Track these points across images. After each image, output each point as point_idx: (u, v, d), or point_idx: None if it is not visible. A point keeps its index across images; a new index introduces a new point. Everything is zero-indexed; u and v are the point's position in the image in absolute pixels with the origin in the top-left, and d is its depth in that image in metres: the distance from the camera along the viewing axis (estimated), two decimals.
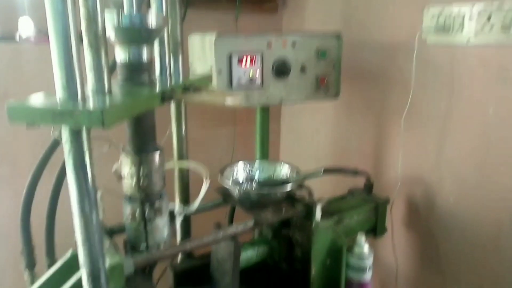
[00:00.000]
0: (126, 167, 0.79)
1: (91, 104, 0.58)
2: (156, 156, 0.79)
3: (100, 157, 0.74)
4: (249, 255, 1.05)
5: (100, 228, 0.66)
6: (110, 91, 0.67)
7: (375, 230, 1.20)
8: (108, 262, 0.72)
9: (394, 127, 1.28)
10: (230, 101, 0.74)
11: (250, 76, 1.19)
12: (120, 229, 0.90)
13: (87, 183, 0.62)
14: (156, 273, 1.09)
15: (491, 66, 1.02)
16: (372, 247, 1.04)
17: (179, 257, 1.13)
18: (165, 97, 0.72)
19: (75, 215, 0.64)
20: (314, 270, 1.02)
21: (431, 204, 1.20)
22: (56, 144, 0.98)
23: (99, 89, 0.66)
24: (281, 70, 1.19)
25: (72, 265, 0.84)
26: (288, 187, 1.00)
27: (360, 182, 1.25)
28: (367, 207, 1.16)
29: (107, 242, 0.83)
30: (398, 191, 1.25)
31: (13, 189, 1.29)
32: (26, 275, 0.98)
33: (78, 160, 0.61)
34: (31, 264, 0.98)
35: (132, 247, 0.84)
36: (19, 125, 0.58)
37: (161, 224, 0.83)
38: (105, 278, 0.68)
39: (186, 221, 1.05)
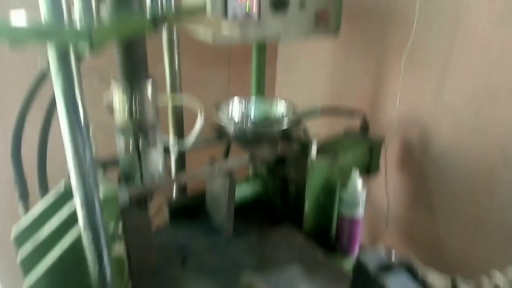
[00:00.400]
0: (117, 96, 0.76)
1: (78, 24, 0.55)
2: (148, 85, 0.76)
3: (91, 92, 0.71)
4: (244, 192, 1.06)
5: (92, 155, 0.64)
6: (98, 14, 0.63)
7: (369, 169, 1.21)
8: (102, 192, 0.71)
9: (394, 68, 1.24)
10: (226, 29, 0.70)
11: (247, 9, 1.13)
12: (114, 162, 0.89)
13: (77, 112, 0.60)
14: (152, 210, 1.10)
15: (498, 4, 0.97)
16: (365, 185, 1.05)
17: (174, 194, 1.14)
18: (156, 22, 0.68)
19: (66, 146, 0.62)
20: (308, 206, 1.04)
21: (426, 146, 1.20)
22: (43, 76, 0.94)
23: (87, 11, 0.61)
24: (279, 2, 1.13)
25: (65, 196, 0.84)
26: (284, 123, 0.99)
27: (356, 124, 1.24)
28: (362, 147, 1.16)
29: (100, 174, 0.82)
30: (394, 132, 1.24)
31: (1, 124, 1.26)
32: (20, 207, 0.98)
33: (67, 89, 0.58)
34: (24, 195, 0.97)
35: (126, 179, 0.83)
36: (2, 46, 0.54)
37: (155, 157, 0.81)
38: (100, 208, 0.68)
39: (181, 158, 1.05)
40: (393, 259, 0.71)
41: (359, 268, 0.73)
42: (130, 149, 0.79)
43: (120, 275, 0.78)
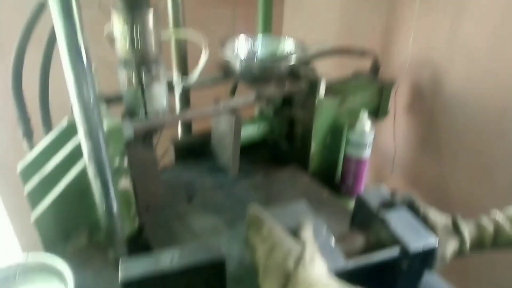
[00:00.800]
0: (118, 27, 0.73)
1: None
2: (150, 14, 0.72)
3: (92, 25, 0.67)
4: (249, 132, 1.05)
5: (94, 86, 0.62)
6: None
7: (377, 113, 1.18)
8: (105, 125, 0.70)
9: (408, 6, 1.18)
10: None
11: None
12: (118, 99, 0.87)
13: (77, 44, 0.57)
14: (158, 150, 1.09)
15: None
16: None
17: (180, 133, 1.13)
18: None
19: (68, 77, 0.60)
20: (314, 147, 1.02)
21: (438, 88, 1.16)
22: (41, 8, 0.90)
23: None
24: None
25: (69, 131, 0.83)
26: (292, 59, 0.95)
27: (366, 65, 1.20)
28: (372, 89, 1.13)
29: (104, 109, 0.81)
30: (405, 74, 1.20)
31: (2, 61, 1.23)
32: (24, 144, 0.98)
33: (67, 20, 0.55)
34: (28, 132, 0.97)
35: (130, 114, 0.81)
36: None
37: (159, 92, 0.79)
38: (104, 139, 0.66)
39: (185, 95, 1.02)
40: (395, 198, 0.70)
41: (360, 203, 0.73)
42: (133, 82, 0.77)
43: (126, 208, 0.78)
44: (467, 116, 1.12)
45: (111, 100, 0.88)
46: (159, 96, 0.80)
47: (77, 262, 0.76)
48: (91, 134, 0.65)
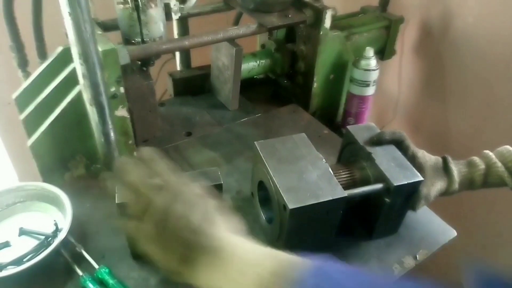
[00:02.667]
0: None
1: None
2: None
3: None
4: (250, 67, 1.01)
5: (89, 7, 0.59)
6: None
7: (383, 52, 1.14)
8: (101, 49, 0.67)
9: None
10: None
11: None
12: (115, 26, 0.83)
13: None
14: (158, 91, 1.07)
15: None
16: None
17: (178, 67, 1.10)
18: None
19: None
20: (316, 84, 1.00)
21: (447, 26, 1.11)
22: None
23: None
24: None
25: (64, 59, 0.80)
26: None
27: (375, 2, 1.14)
28: (379, 25, 1.08)
29: (100, 34, 0.77)
30: (415, 11, 1.15)
31: None
32: (19, 73, 0.95)
33: None
34: (23, 62, 0.94)
35: (126, 40, 0.78)
36: None
37: (156, 16, 0.75)
38: (98, 63, 0.64)
39: (184, 25, 0.98)
40: (384, 135, 0.68)
41: (348, 137, 0.72)
42: (129, 5, 0.73)
43: (124, 136, 0.77)
44: (475, 57, 1.08)
45: (108, 27, 0.84)
46: (156, 22, 0.76)
47: (75, 190, 0.76)
48: (86, 57, 0.62)
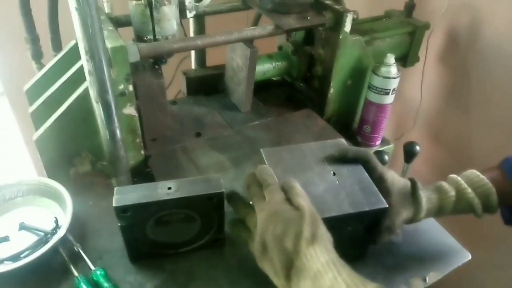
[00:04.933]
0: None
1: None
2: None
3: None
4: (266, 68, 0.98)
5: (97, 7, 0.57)
6: None
7: (406, 58, 1.09)
8: (109, 45, 0.66)
9: None
10: None
11: None
12: (127, 21, 0.82)
13: None
14: (171, 92, 1.05)
15: None
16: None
17: (193, 66, 1.08)
18: None
19: None
20: (333, 89, 0.96)
21: (475, 34, 1.06)
22: None
23: None
24: None
25: (76, 53, 0.79)
26: None
27: (399, 5, 1.09)
28: (403, 31, 1.04)
29: (111, 29, 0.76)
30: (442, 17, 1.10)
31: None
32: (34, 65, 0.95)
33: None
34: (37, 54, 0.93)
35: (138, 37, 0.76)
36: None
37: (169, 14, 0.73)
38: (105, 60, 0.62)
39: (200, 23, 0.96)
40: (348, 152, 0.63)
41: None
42: (142, 2, 0.71)
43: (131, 134, 0.76)
44: (503, 68, 1.02)
45: (122, 23, 0.83)
46: (169, 20, 0.74)
47: (79, 187, 0.75)
48: (92, 54, 0.61)
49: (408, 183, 0.62)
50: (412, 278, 0.65)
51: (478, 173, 0.61)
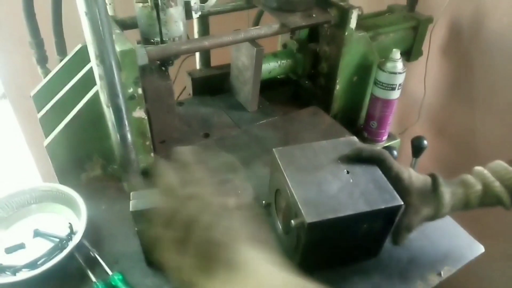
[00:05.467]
0: None
1: None
2: None
3: None
4: (271, 67, 0.98)
5: (106, 5, 0.57)
6: None
7: (409, 53, 1.10)
8: (118, 49, 0.65)
9: None
10: None
11: None
12: (134, 24, 0.81)
13: None
14: (177, 88, 1.05)
15: None
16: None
17: (198, 66, 1.08)
18: None
19: None
20: (339, 86, 0.96)
21: (479, 27, 1.06)
22: None
23: None
24: None
25: (83, 57, 0.79)
26: None
27: (403, 1, 1.09)
28: (406, 25, 1.04)
29: (118, 33, 0.75)
30: (444, 11, 1.10)
31: None
32: (39, 70, 0.95)
33: None
34: (42, 58, 0.93)
35: (145, 41, 0.76)
36: None
37: (176, 15, 0.73)
38: (116, 64, 0.62)
39: (204, 24, 0.96)
40: (363, 152, 0.62)
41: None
42: (148, 4, 0.71)
43: (141, 137, 0.76)
44: (507, 60, 1.03)
45: (127, 25, 0.83)
46: (176, 21, 0.74)
47: (91, 192, 0.75)
48: (103, 58, 0.61)
49: (429, 179, 0.61)
50: (427, 274, 0.66)
51: (505, 164, 0.59)
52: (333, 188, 0.59)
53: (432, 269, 0.66)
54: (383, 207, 0.56)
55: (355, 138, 0.68)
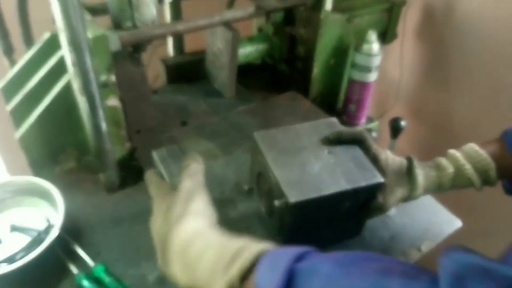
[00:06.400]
0: None
1: None
2: None
3: None
4: (247, 51, 0.98)
5: None
6: None
7: (384, 35, 1.10)
8: (90, 35, 0.63)
9: None
10: None
11: None
12: (103, 10, 0.79)
13: None
14: (150, 77, 1.03)
15: None
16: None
17: (171, 52, 1.06)
18: None
19: None
20: (316, 70, 0.96)
21: (450, 9, 1.08)
22: None
23: None
24: None
25: (52, 45, 0.76)
26: None
27: None
28: (381, 7, 1.04)
29: (88, 18, 0.73)
30: None
31: None
32: (5, 61, 0.91)
33: None
34: (8, 49, 0.89)
35: (116, 26, 0.74)
36: None
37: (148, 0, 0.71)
38: (88, 50, 0.60)
39: (176, 8, 0.94)
40: (343, 133, 0.64)
41: None
42: None
43: (116, 126, 0.74)
44: (478, 42, 1.05)
45: (97, 11, 0.80)
46: (148, 5, 0.72)
47: (66, 184, 0.73)
48: (75, 44, 0.59)
49: (404, 161, 0.62)
50: (408, 249, 0.67)
51: (477, 148, 0.61)
52: (315, 169, 0.59)
53: (413, 244, 0.68)
54: (364, 184, 0.57)
55: (334, 119, 0.68)
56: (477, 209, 1.20)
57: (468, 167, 0.60)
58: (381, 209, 0.60)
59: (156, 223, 0.50)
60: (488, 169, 0.59)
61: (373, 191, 0.59)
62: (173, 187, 0.54)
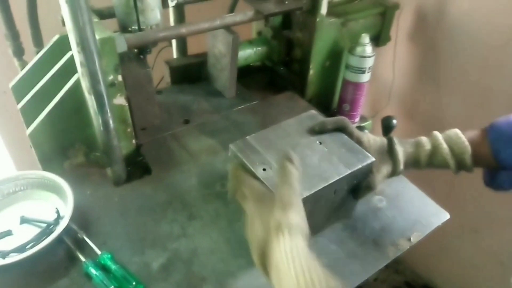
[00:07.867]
0: None
1: None
2: None
3: None
4: (247, 53, 1.02)
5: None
6: None
7: (378, 38, 1.15)
8: (98, 37, 0.67)
9: None
10: None
11: None
12: (111, 14, 0.83)
13: None
14: (155, 78, 1.07)
15: None
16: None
17: (175, 55, 1.10)
18: None
19: None
20: (312, 71, 1.00)
21: (442, 12, 1.12)
22: None
23: None
24: None
25: (61, 47, 0.80)
26: None
27: None
28: (374, 11, 1.08)
29: (96, 21, 0.77)
30: None
31: None
32: (16, 62, 0.95)
33: None
34: (18, 51, 0.93)
35: (123, 29, 0.78)
36: None
37: (152, 3, 0.75)
38: (96, 51, 0.64)
39: (180, 12, 0.98)
40: (326, 123, 0.68)
41: None
42: None
43: (123, 124, 0.78)
44: (469, 44, 1.09)
45: (105, 15, 0.84)
46: (153, 9, 0.76)
47: (75, 178, 0.77)
48: (83, 45, 0.63)
49: (385, 140, 0.67)
50: (398, 239, 0.71)
51: (458, 132, 0.65)
52: (314, 160, 0.63)
53: (403, 235, 0.72)
54: (360, 166, 0.62)
55: (314, 111, 0.73)
56: (468, 205, 1.24)
57: (444, 147, 0.64)
58: (370, 187, 0.65)
59: (253, 227, 0.51)
60: (464, 153, 0.63)
61: (366, 171, 0.64)
62: (256, 178, 0.58)
